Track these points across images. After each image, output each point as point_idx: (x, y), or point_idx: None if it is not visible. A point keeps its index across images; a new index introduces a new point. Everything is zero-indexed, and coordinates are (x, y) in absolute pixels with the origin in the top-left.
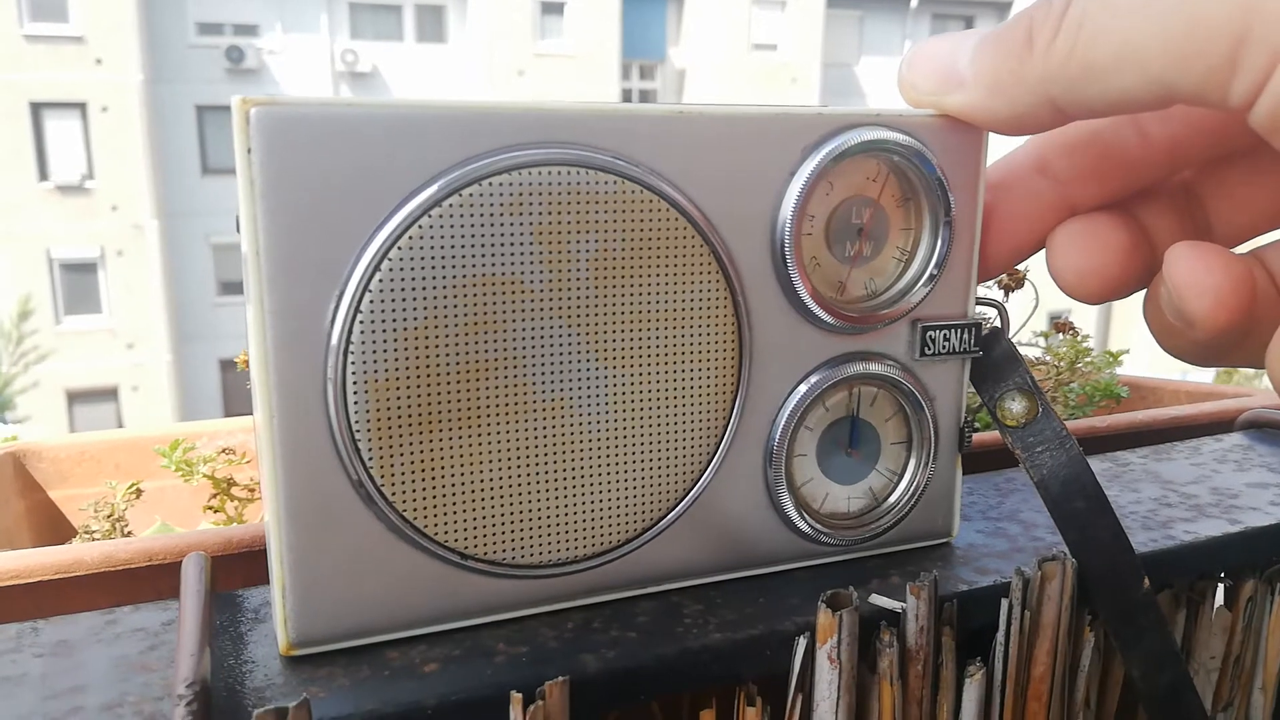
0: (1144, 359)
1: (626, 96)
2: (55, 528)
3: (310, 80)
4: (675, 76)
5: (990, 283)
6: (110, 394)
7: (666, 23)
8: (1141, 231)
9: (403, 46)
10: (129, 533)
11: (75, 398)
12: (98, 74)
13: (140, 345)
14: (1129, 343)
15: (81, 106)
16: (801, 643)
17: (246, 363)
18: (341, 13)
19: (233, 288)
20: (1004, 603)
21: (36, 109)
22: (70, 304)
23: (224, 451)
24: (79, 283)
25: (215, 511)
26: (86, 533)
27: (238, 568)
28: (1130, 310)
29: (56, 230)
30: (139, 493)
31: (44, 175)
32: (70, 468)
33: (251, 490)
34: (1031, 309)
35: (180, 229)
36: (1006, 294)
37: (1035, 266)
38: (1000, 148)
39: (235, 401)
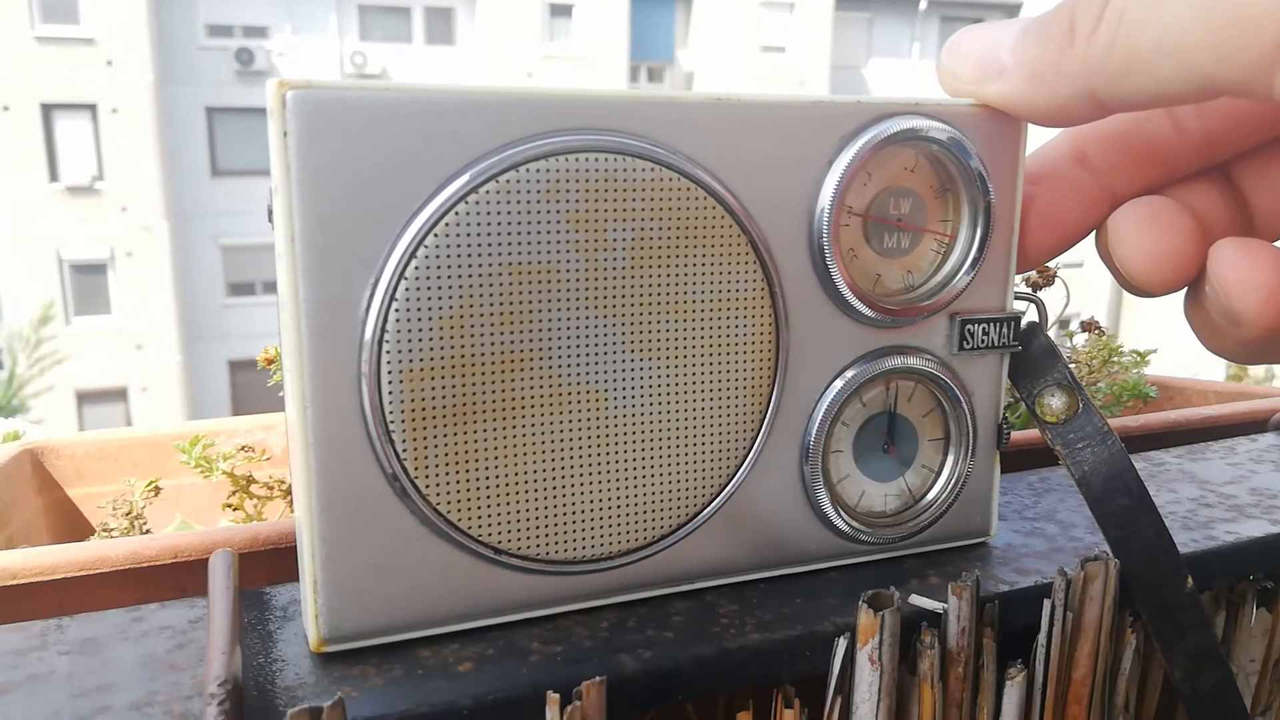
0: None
1: None
2: (73, 525)
3: None
4: (683, 79)
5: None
6: (119, 395)
7: (675, 25)
8: (1197, 216)
9: (411, 48)
10: (147, 530)
11: (84, 398)
12: (108, 75)
13: (149, 346)
14: (1135, 340)
15: (92, 108)
16: (841, 644)
17: (269, 361)
18: (350, 14)
19: (242, 289)
20: (1046, 604)
21: (47, 110)
22: (80, 305)
23: (243, 449)
24: (89, 283)
25: (234, 509)
26: (105, 530)
27: (263, 565)
28: (1136, 308)
29: (66, 231)
30: (157, 490)
31: (54, 176)
32: (88, 465)
33: (270, 488)
34: (1063, 305)
35: (189, 230)
36: (1035, 291)
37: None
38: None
39: (244, 403)
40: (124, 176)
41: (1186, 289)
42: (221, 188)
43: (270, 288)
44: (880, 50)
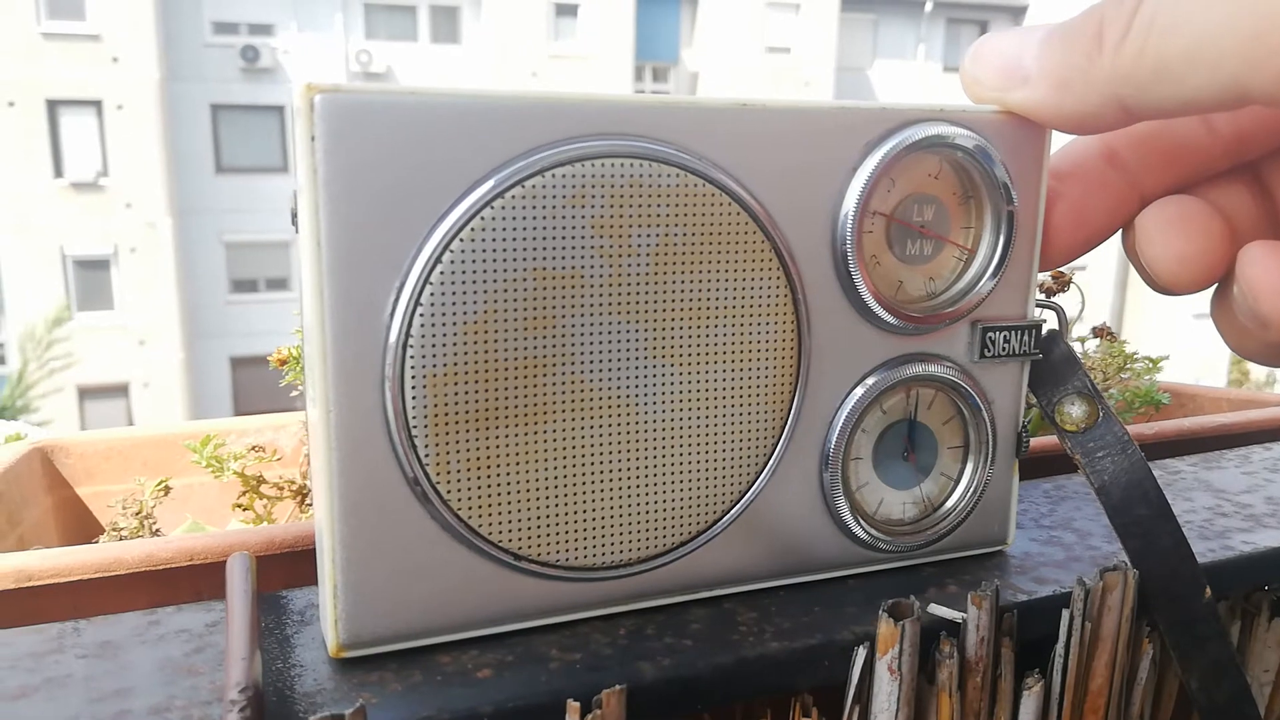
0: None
1: None
2: (82, 524)
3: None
4: (689, 79)
5: None
6: (121, 391)
7: (680, 25)
8: (1225, 216)
9: (417, 47)
10: (157, 530)
11: (86, 394)
12: (114, 72)
13: (152, 342)
14: (1136, 346)
15: (97, 104)
16: (861, 653)
17: (281, 362)
18: (356, 13)
19: (245, 286)
20: (1065, 613)
21: (52, 106)
22: (83, 301)
23: (254, 449)
24: (92, 279)
25: (244, 509)
26: (115, 530)
27: (279, 568)
28: (1139, 314)
29: (71, 227)
30: (167, 490)
31: (59, 172)
32: (97, 464)
33: (281, 489)
34: (1079, 311)
35: (193, 227)
36: (1049, 297)
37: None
38: (1059, 139)
39: (245, 400)
40: (128, 173)
41: (1214, 290)
42: (226, 185)
43: (273, 285)
44: (885, 52)
